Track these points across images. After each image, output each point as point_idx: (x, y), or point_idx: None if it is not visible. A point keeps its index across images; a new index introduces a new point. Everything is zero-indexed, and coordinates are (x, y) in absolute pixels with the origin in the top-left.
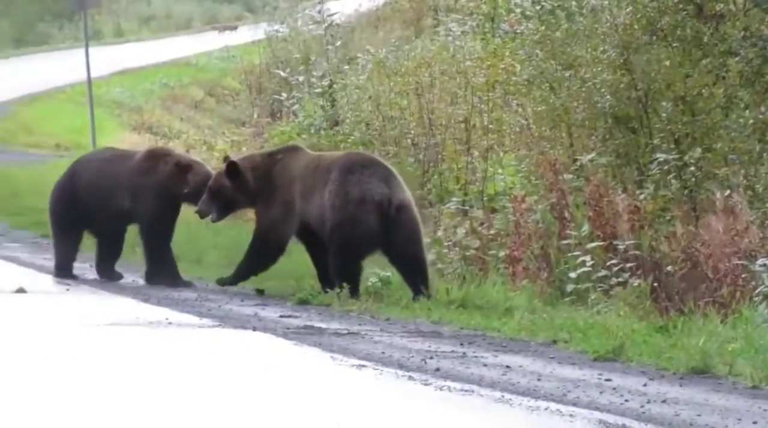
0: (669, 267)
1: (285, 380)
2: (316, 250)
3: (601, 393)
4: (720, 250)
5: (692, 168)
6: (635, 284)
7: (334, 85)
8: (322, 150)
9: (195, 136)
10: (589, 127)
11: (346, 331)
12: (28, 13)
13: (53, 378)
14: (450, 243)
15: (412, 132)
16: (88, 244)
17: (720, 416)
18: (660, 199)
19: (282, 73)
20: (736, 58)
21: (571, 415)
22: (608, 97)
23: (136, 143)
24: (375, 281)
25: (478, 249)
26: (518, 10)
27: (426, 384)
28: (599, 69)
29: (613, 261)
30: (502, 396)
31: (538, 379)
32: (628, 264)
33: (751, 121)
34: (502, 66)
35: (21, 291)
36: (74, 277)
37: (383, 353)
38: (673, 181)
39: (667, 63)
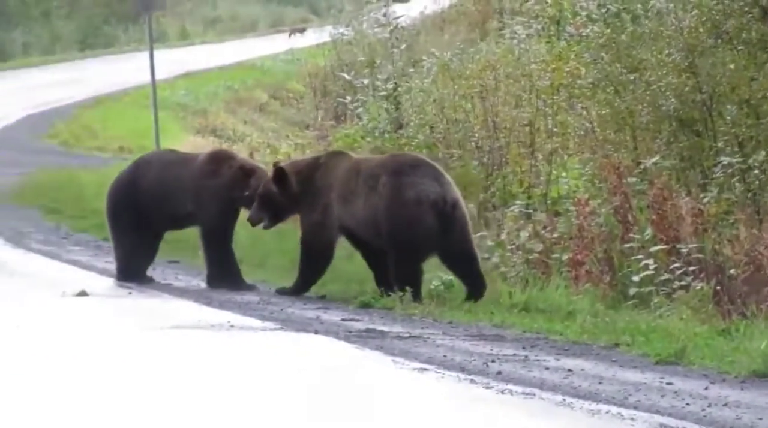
0: (732, 271)
1: (346, 384)
2: (370, 255)
3: (662, 396)
4: None
5: (756, 171)
6: (698, 287)
7: (399, 88)
8: (385, 153)
9: (259, 139)
10: (654, 130)
11: (408, 335)
12: (92, 16)
13: (115, 381)
14: (513, 246)
15: (476, 135)
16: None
17: None
18: (723, 203)
19: (347, 76)
20: None
21: (632, 419)
22: (673, 100)
23: (200, 146)
24: (437, 284)
25: (541, 252)
26: (584, 13)
27: (487, 388)
28: (664, 72)
29: (676, 265)
30: (564, 400)
31: (600, 383)
32: (691, 268)
33: None
34: (567, 69)
35: (83, 294)
36: (139, 280)
37: (445, 356)
38: (736, 184)
39: (732, 66)
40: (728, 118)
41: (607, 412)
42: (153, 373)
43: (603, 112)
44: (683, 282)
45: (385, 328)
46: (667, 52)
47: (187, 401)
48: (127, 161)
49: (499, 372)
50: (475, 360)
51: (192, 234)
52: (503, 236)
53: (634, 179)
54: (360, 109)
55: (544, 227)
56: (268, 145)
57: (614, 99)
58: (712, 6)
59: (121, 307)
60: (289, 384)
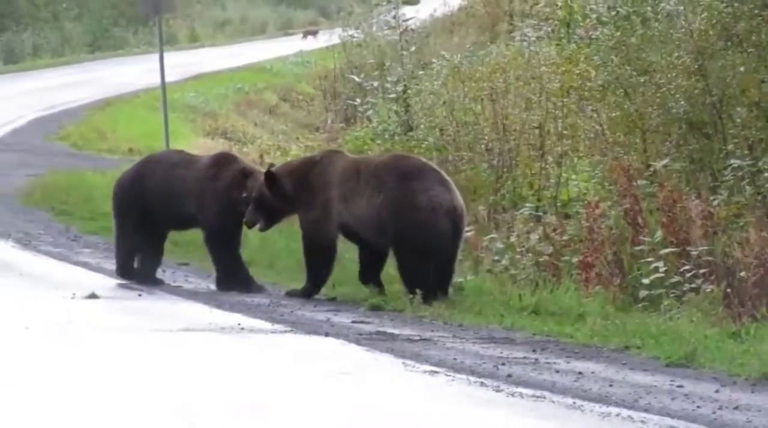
0: (742, 273)
1: (357, 386)
2: (363, 251)
3: (672, 399)
4: None
5: (766, 174)
6: (708, 290)
7: (409, 91)
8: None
9: (269, 142)
10: (664, 132)
11: (418, 337)
12: (102, 18)
13: (125, 383)
14: (523, 249)
15: (486, 137)
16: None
17: None
18: (734, 205)
19: (356, 79)
20: None
21: (642, 421)
22: (683, 102)
23: (210, 148)
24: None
25: (551, 255)
26: (593, 16)
27: (498, 391)
28: (674, 74)
29: (686, 267)
30: (574, 403)
31: (610, 385)
32: (701, 271)
33: None
34: (577, 71)
35: (93, 296)
36: (145, 280)
37: (455, 359)
38: (746, 186)
39: (742, 69)
40: (738, 120)
41: (617, 415)
42: (163, 375)
43: (613, 114)
44: (693, 285)
45: (396, 331)
46: (676, 54)
47: (198, 403)
48: None
49: (510, 375)
50: (485, 362)
51: (201, 236)
52: (513, 238)
53: (644, 181)
54: (370, 112)
55: (554, 229)
56: (279, 147)
57: (624, 101)
58: (722, 9)
59: (130, 309)
60: (299, 387)
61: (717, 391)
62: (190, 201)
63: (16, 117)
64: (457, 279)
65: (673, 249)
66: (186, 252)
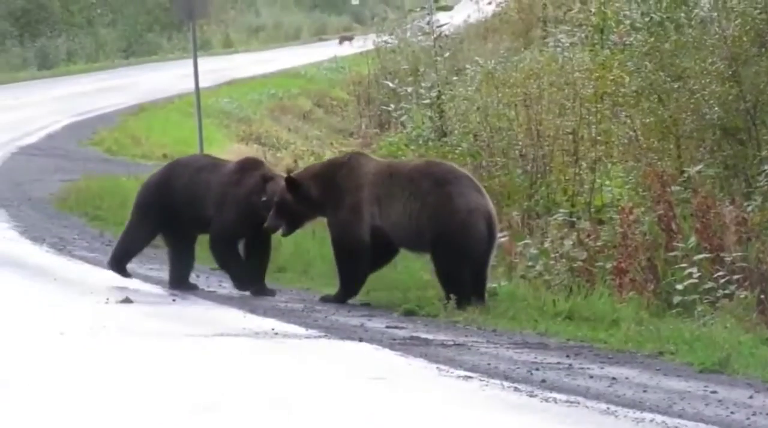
0: None
1: (391, 391)
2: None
3: (706, 405)
4: None
5: None
6: (742, 296)
7: (443, 96)
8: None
9: (302, 147)
10: (697, 138)
11: (452, 342)
12: (136, 24)
13: (161, 387)
14: (557, 254)
15: (520, 143)
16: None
17: None
18: (767, 211)
19: (390, 84)
20: None
21: (676, 427)
22: (716, 108)
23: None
24: None
25: (585, 260)
26: (627, 22)
27: (531, 396)
28: (708, 80)
29: (720, 273)
30: (608, 408)
31: (644, 391)
32: (735, 276)
33: None
34: (611, 77)
35: (127, 301)
36: (128, 275)
37: (489, 364)
38: None
39: None
40: None
41: (651, 421)
42: (196, 379)
43: (647, 120)
44: (727, 291)
45: (430, 336)
46: (710, 60)
47: (230, 404)
48: None
49: (543, 381)
50: (519, 368)
51: None
52: (547, 244)
53: (677, 187)
54: (404, 117)
55: (588, 235)
56: (312, 153)
57: (658, 107)
58: (756, 15)
59: (164, 314)
60: (332, 391)
61: (751, 397)
62: (211, 204)
63: (51, 122)
64: (491, 284)
65: (707, 255)
66: None
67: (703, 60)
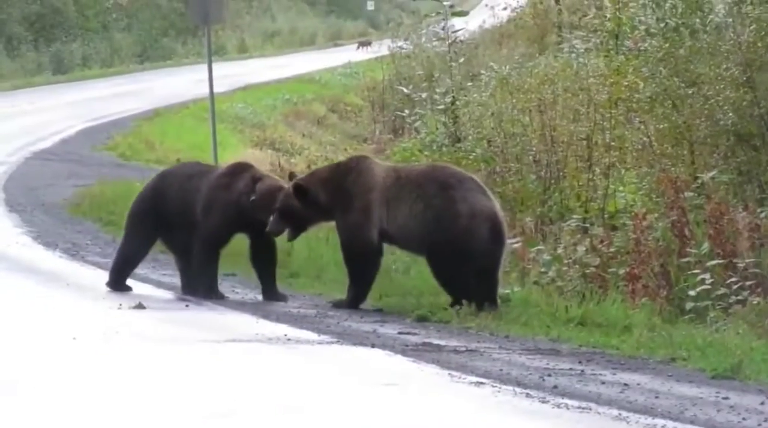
0: None
1: (403, 397)
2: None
3: (718, 411)
4: None
5: None
6: (755, 302)
7: (457, 102)
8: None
9: (316, 152)
10: (711, 144)
11: (464, 348)
12: (151, 29)
13: (173, 393)
14: (570, 260)
15: (534, 149)
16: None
17: None
18: None
19: (405, 90)
20: None
21: None
22: (731, 114)
23: (258, 158)
24: None
25: (597, 266)
26: (642, 28)
27: (543, 402)
28: (722, 86)
29: (733, 279)
30: (620, 414)
31: (656, 397)
32: (748, 283)
33: None
34: (625, 83)
35: (140, 306)
36: (128, 288)
37: (501, 370)
38: None
39: None
40: None
41: (663, 427)
42: (209, 384)
43: (661, 126)
44: (740, 297)
45: (442, 342)
46: (725, 66)
47: (243, 410)
48: None
49: (555, 386)
50: (531, 374)
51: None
52: (560, 250)
53: (691, 193)
54: (418, 123)
55: (601, 241)
56: (326, 158)
57: (672, 113)
58: None
59: (177, 320)
60: (344, 397)
61: (762, 403)
62: (201, 208)
63: (65, 127)
64: (503, 290)
65: (720, 261)
66: (233, 262)
67: (718, 66)
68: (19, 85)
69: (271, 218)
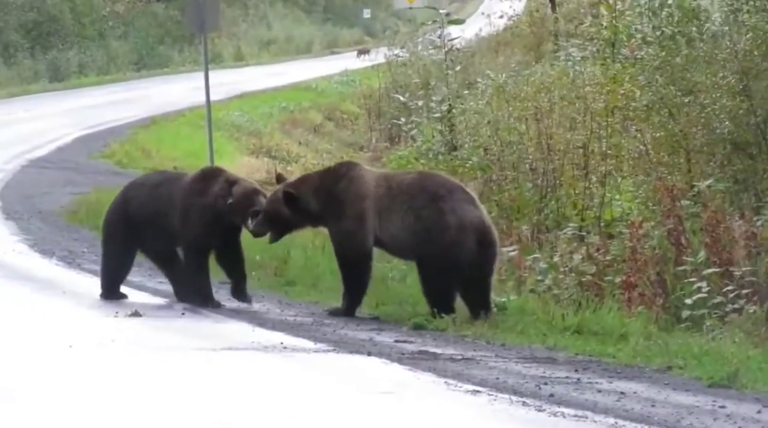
0: None
1: (400, 405)
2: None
3: (715, 420)
4: None
5: None
6: (751, 311)
7: (453, 110)
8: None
9: (313, 160)
10: (708, 152)
11: (460, 357)
12: (148, 37)
13: (169, 402)
14: (566, 268)
15: (530, 157)
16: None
17: None
18: None
19: (401, 98)
20: None
21: None
22: (727, 122)
23: (254, 166)
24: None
25: (594, 274)
26: (639, 36)
27: (540, 410)
28: (718, 95)
29: (729, 288)
30: (616, 423)
31: (652, 405)
32: (744, 291)
33: None
34: (622, 91)
35: (136, 314)
36: (123, 296)
37: (498, 379)
38: None
39: None
40: None
41: None
42: (205, 393)
43: (657, 134)
44: (736, 306)
45: (438, 350)
46: (721, 74)
47: (240, 420)
48: None
49: (552, 395)
50: (527, 382)
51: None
52: (556, 258)
53: (687, 202)
54: (414, 131)
55: (598, 249)
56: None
57: (668, 121)
58: (767, 29)
59: (173, 328)
60: (341, 405)
61: (759, 412)
62: (176, 217)
63: (62, 135)
64: (500, 298)
65: (716, 270)
66: None
67: (714, 74)
68: (16, 93)
69: (251, 220)
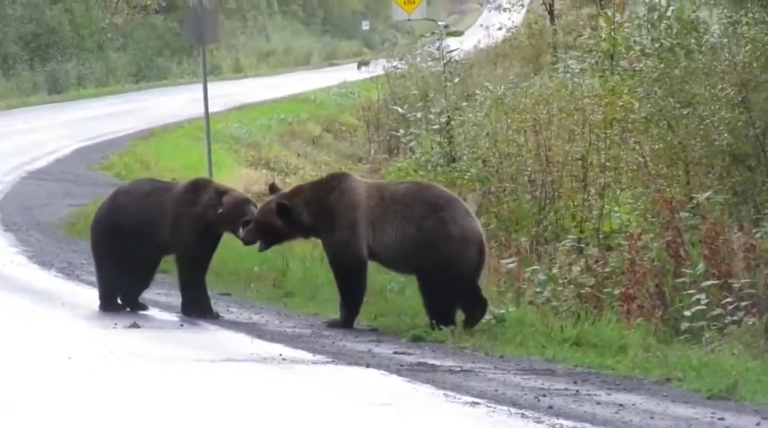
0: None
1: (398, 417)
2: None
3: None
4: None
5: None
6: (750, 322)
7: (452, 122)
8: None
9: (312, 172)
10: (706, 164)
11: (459, 368)
12: (147, 48)
13: (169, 413)
14: (565, 280)
15: (529, 169)
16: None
17: None
18: None
19: (400, 110)
20: None
21: None
22: (726, 134)
23: (253, 178)
24: (489, 318)
25: (592, 286)
26: (637, 48)
27: (538, 422)
28: (717, 107)
29: (728, 300)
30: None
31: (651, 417)
32: (743, 303)
33: None
34: (620, 103)
35: (134, 326)
36: (121, 308)
37: (496, 390)
38: None
39: None
40: None
41: None
42: (204, 405)
43: (656, 146)
44: (735, 318)
45: (437, 362)
46: (720, 86)
47: None
48: None
49: (550, 407)
50: (526, 394)
51: (243, 267)
52: (555, 270)
53: (686, 214)
54: (413, 143)
55: (596, 261)
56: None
57: (667, 133)
58: (766, 41)
59: (172, 339)
60: (339, 417)
61: (758, 424)
62: (166, 227)
63: (60, 147)
64: (499, 310)
65: (715, 282)
66: (228, 282)
67: (713, 86)
68: (15, 105)
69: (242, 229)
